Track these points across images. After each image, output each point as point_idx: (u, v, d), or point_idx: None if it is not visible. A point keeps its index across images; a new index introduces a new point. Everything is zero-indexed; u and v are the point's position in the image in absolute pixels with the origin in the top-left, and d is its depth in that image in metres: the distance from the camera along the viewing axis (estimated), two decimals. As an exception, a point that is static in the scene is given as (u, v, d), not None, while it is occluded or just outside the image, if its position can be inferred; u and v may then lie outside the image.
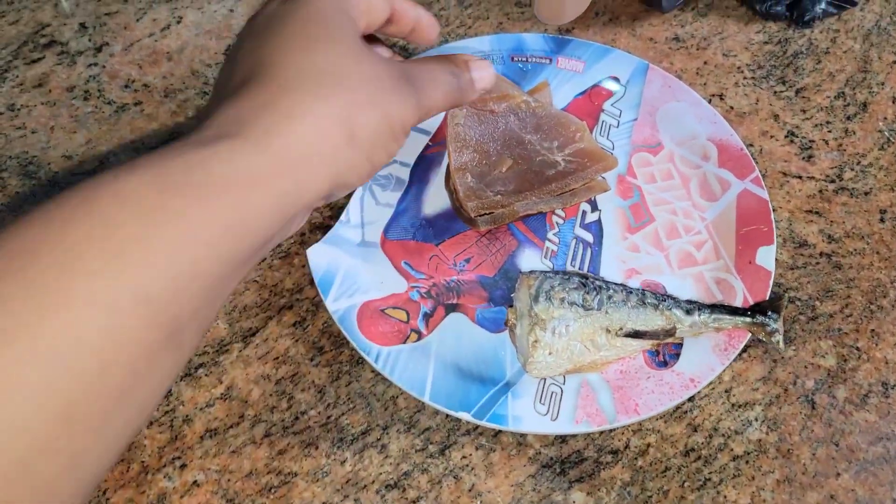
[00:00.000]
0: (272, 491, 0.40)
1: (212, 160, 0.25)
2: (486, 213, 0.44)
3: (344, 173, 0.29)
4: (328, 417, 0.42)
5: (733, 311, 0.43)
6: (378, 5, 0.33)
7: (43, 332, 0.20)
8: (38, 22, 0.56)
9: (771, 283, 0.44)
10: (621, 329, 0.42)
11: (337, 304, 0.43)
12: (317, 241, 0.46)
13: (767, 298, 0.43)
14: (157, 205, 0.23)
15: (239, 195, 0.25)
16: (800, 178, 0.50)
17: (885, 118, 0.52)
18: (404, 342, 0.43)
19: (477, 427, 0.41)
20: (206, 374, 0.43)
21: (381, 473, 0.40)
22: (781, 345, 0.42)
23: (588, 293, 0.42)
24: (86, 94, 0.53)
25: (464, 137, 0.41)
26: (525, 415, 0.41)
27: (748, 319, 0.42)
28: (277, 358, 0.44)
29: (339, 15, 0.31)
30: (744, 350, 0.43)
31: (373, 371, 0.43)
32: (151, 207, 0.23)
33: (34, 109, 0.52)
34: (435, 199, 0.48)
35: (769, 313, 0.42)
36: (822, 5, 0.56)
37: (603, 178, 0.49)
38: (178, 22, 0.57)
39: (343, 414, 0.42)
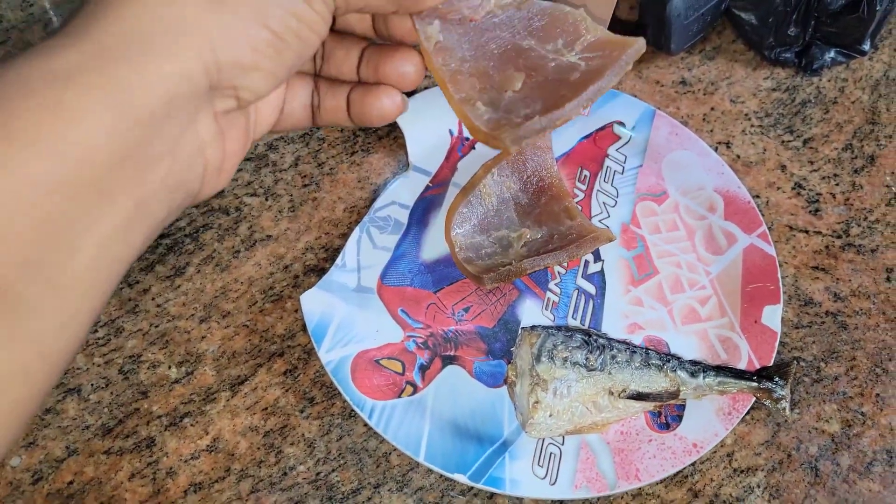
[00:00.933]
0: (257, 552, 0.38)
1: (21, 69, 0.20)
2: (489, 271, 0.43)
3: (220, 46, 0.22)
4: (317, 474, 0.40)
5: (739, 374, 0.41)
6: None
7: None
8: (26, 42, 0.54)
9: (777, 344, 0.43)
10: (624, 391, 0.40)
11: (330, 354, 0.42)
12: (311, 284, 0.44)
13: (775, 363, 0.42)
14: None
15: (42, 100, 0.20)
16: (806, 232, 0.49)
17: (893, 172, 0.52)
18: (399, 396, 0.41)
19: (472, 487, 0.40)
20: (191, 424, 0.41)
21: (371, 536, 0.39)
22: (787, 412, 0.41)
23: (591, 352, 0.41)
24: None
25: (451, 54, 0.29)
26: (523, 478, 0.39)
27: (754, 385, 0.41)
28: (266, 409, 0.42)
29: None
30: (747, 412, 0.42)
31: (365, 425, 0.42)
32: None
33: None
34: (434, 244, 0.47)
35: (776, 379, 0.41)
36: (831, 54, 0.55)
37: (607, 226, 0.48)
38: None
39: (333, 470, 0.40)
